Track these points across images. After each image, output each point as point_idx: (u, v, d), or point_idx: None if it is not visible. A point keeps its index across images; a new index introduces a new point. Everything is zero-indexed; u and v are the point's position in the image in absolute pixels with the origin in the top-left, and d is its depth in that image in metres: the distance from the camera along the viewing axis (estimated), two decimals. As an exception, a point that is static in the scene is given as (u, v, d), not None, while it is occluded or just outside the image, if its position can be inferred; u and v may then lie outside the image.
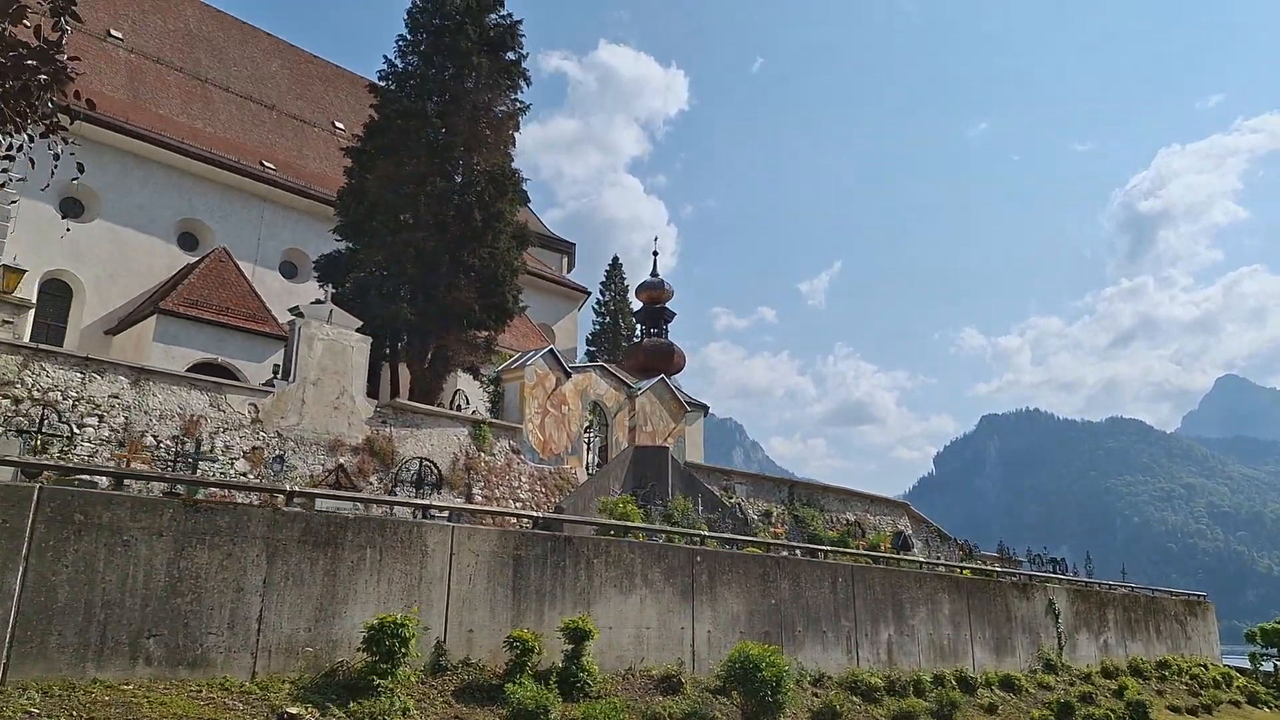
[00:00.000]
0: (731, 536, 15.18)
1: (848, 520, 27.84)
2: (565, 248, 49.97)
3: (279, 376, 17.56)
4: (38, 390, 13.61)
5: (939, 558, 25.11)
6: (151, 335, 24.56)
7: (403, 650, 8.47)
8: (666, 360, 41.06)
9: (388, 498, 12.71)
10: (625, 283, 52.25)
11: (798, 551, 15.99)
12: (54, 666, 7.03)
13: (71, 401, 13.98)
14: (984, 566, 21.55)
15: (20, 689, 6.67)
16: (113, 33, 32.28)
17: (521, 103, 25.53)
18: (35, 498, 7.14)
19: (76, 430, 12.88)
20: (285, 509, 8.87)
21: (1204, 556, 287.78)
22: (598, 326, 50.48)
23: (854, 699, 13.81)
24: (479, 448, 20.39)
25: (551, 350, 23.18)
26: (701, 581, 13.10)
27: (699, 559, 13.17)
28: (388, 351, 23.30)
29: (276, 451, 15.09)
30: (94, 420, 14.16)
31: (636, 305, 47.20)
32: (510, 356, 24.24)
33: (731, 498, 26.14)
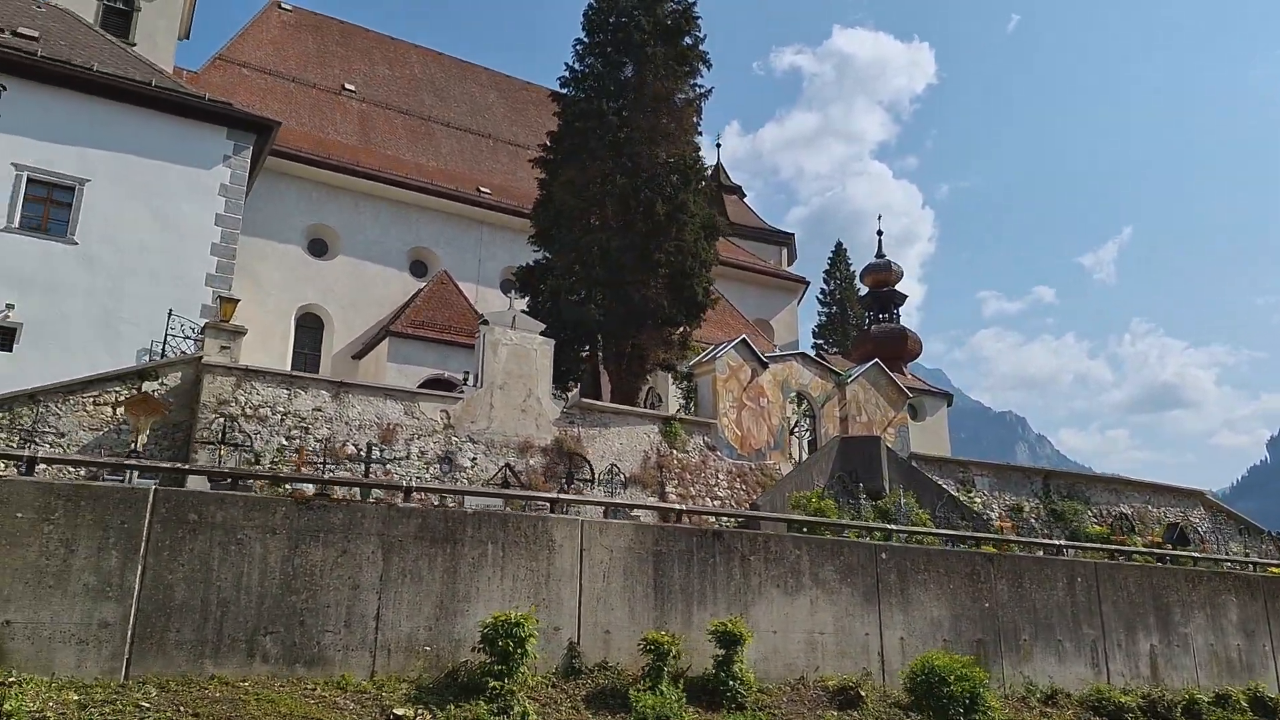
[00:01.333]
0: (916, 529, 13.32)
1: (1120, 514, 24.14)
2: (783, 240, 48.53)
3: (466, 383, 18.08)
4: (249, 407, 14.84)
5: (1248, 554, 20.78)
6: (386, 356, 26.63)
7: (519, 651, 7.98)
8: (898, 346, 38.36)
9: (516, 492, 12.31)
10: (851, 269, 49.73)
11: (1015, 547, 13.76)
12: (173, 663, 7.27)
13: (280, 416, 15.12)
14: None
15: (140, 684, 6.94)
16: (347, 87, 35.66)
17: (701, 88, 24.85)
18: (151, 499, 7.47)
19: (249, 438, 13.80)
20: (401, 505, 8.74)
21: None
22: (823, 318, 48.43)
23: (1098, 721, 11.55)
24: (671, 445, 19.81)
25: (745, 340, 22.12)
26: (889, 581, 11.54)
27: (884, 555, 11.61)
28: (585, 354, 23.42)
29: (448, 452, 15.41)
30: (299, 432, 15.21)
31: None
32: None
33: (970, 492, 23.58)
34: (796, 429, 22.62)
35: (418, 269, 31.26)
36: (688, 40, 24.69)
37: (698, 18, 25.14)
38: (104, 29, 26.62)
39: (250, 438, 13.91)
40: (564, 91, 24.54)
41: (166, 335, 14.74)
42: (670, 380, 23.74)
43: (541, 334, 23.02)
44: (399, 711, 7.43)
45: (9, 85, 15.00)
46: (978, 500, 22.94)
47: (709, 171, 24.74)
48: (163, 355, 14.60)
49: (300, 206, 29.06)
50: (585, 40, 24.77)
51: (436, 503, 12.42)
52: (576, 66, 24.62)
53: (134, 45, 27.01)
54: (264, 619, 7.65)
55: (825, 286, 48.94)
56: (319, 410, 15.45)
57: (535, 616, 8.36)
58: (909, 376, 37.41)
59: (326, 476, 9.97)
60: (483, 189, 33.68)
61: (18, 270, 15.04)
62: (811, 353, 41.40)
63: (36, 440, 12.05)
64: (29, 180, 15.44)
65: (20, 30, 16.57)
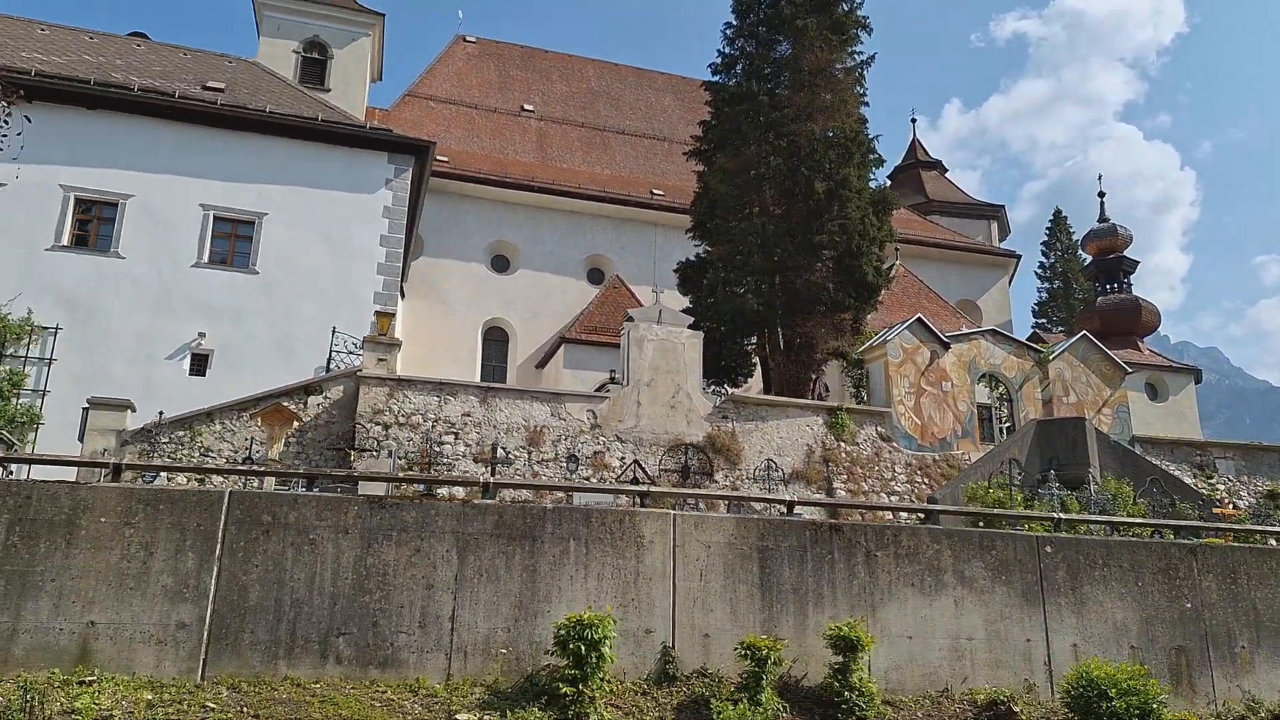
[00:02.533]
0: (1080, 518, 11.21)
1: None
2: (991, 213, 44.70)
3: (612, 381, 17.87)
4: (402, 415, 15.49)
5: None
6: (562, 363, 27.22)
7: (594, 655, 7.45)
8: (1131, 320, 33.98)
9: (597, 485, 11.59)
10: (1074, 239, 44.88)
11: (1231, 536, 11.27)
12: (247, 663, 7.43)
13: (431, 422, 15.66)
14: None
15: (214, 684, 7.17)
16: (525, 107, 37.07)
17: (861, 54, 23.28)
18: (226, 501, 7.73)
19: (399, 444, 14.26)
20: (477, 501, 8.51)
21: None
22: (1044, 294, 43.98)
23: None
24: (838, 437, 18.50)
25: (920, 320, 20.31)
26: (1056, 579, 9.82)
27: (1049, 549, 9.90)
28: (750, 347, 22.54)
29: (575, 451, 15.20)
30: (450, 437, 15.67)
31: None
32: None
33: (1211, 477, 20.27)
34: (994, 413, 20.46)
35: (594, 276, 31.75)
36: (844, 7, 23.25)
37: (853, -21, 23.61)
38: (303, 79, 29.43)
39: (400, 444, 14.45)
40: (715, 79, 23.87)
41: (331, 351, 15.76)
42: (840, 369, 22.29)
43: (702, 328, 22.55)
44: (461, 717, 7.18)
45: (195, 133, 16.77)
46: (1220, 487, 19.60)
47: (874, 141, 23.01)
48: (327, 370, 15.58)
49: (481, 225, 30.43)
50: (735, 23, 23.97)
51: (527, 498, 12.25)
52: (727, 50, 23.88)
53: (328, 90, 29.62)
54: (337, 619, 7.68)
55: (1045, 260, 44.49)
56: (468, 415, 15.82)
57: (614, 617, 7.79)
58: (1146, 352, 32.98)
59: (401, 475, 10.00)
60: (656, 191, 33.67)
61: (208, 301, 16.71)
62: (1026, 333, 37.73)
63: (212, 454, 13.11)
64: (215, 218, 17.16)
65: (209, 84, 18.48)
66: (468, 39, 40.64)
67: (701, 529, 9.04)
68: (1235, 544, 10.78)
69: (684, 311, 23.56)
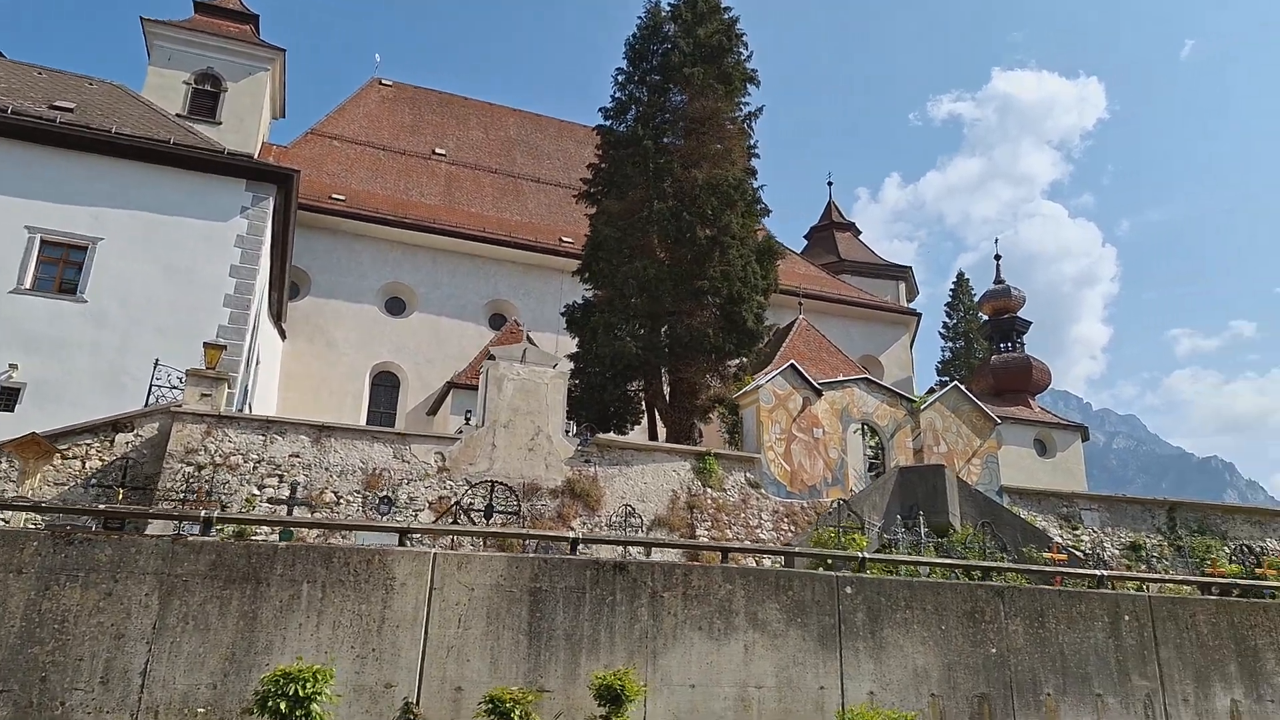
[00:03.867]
0: (894, 559, 10.89)
1: (1266, 549, 20.03)
2: (899, 274, 45.60)
3: (467, 422, 17.25)
4: (219, 455, 14.60)
5: None
6: (449, 409, 26.49)
7: (299, 713, 6.71)
8: (1023, 378, 34.64)
9: (340, 521, 10.83)
10: (975, 300, 45.98)
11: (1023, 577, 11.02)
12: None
13: (253, 464, 14.79)
14: None
15: None
16: (437, 151, 36.85)
17: (748, 105, 23.59)
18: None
19: (213, 489, 13.42)
20: (191, 539, 7.78)
21: None
22: (947, 352, 44.74)
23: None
24: (705, 483, 18.11)
25: (793, 366, 20.18)
26: (855, 622, 9.43)
27: (849, 589, 9.53)
28: (638, 392, 22.17)
29: (386, 496, 14.49)
30: (274, 480, 14.80)
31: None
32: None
33: (1076, 529, 20.32)
34: (865, 461, 20.29)
35: (496, 321, 31.26)
36: (731, 59, 23.59)
37: (742, 35, 24.05)
38: (192, 110, 28.76)
39: (214, 488, 13.58)
40: (606, 124, 23.91)
41: (151, 385, 14.87)
42: (719, 416, 22.03)
43: (587, 372, 22.12)
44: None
45: (28, 152, 15.95)
46: (1085, 538, 19.64)
47: (759, 191, 23.19)
48: (145, 405, 14.68)
49: (377, 266, 29.82)
50: (628, 69, 24.13)
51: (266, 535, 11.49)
52: (619, 95, 23.99)
53: (219, 124, 28.97)
54: None
55: (948, 320, 45.36)
56: (296, 456, 15.02)
57: (332, 671, 7.10)
58: (1036, 409, 33.55)
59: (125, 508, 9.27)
60: (565, 239, 33.48)
61: (26, 331, 15.72)
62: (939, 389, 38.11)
63: None
64: (42, 242, 16.28)
65: (57, 103, 17.75)
66: (384, 82, 40.49)
67: (466, 570, 8.46)
68: (1044, 586, 10.55)
69: (571, 356, 23.22)
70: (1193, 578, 12.01)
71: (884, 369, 35.90)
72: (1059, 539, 19.27)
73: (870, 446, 20.71)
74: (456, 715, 7.95)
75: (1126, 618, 10.36)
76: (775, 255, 23.31)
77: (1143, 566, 19.39)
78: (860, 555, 10.00)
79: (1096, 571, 11.13)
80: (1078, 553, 18.18)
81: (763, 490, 18.66)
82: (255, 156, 25.17)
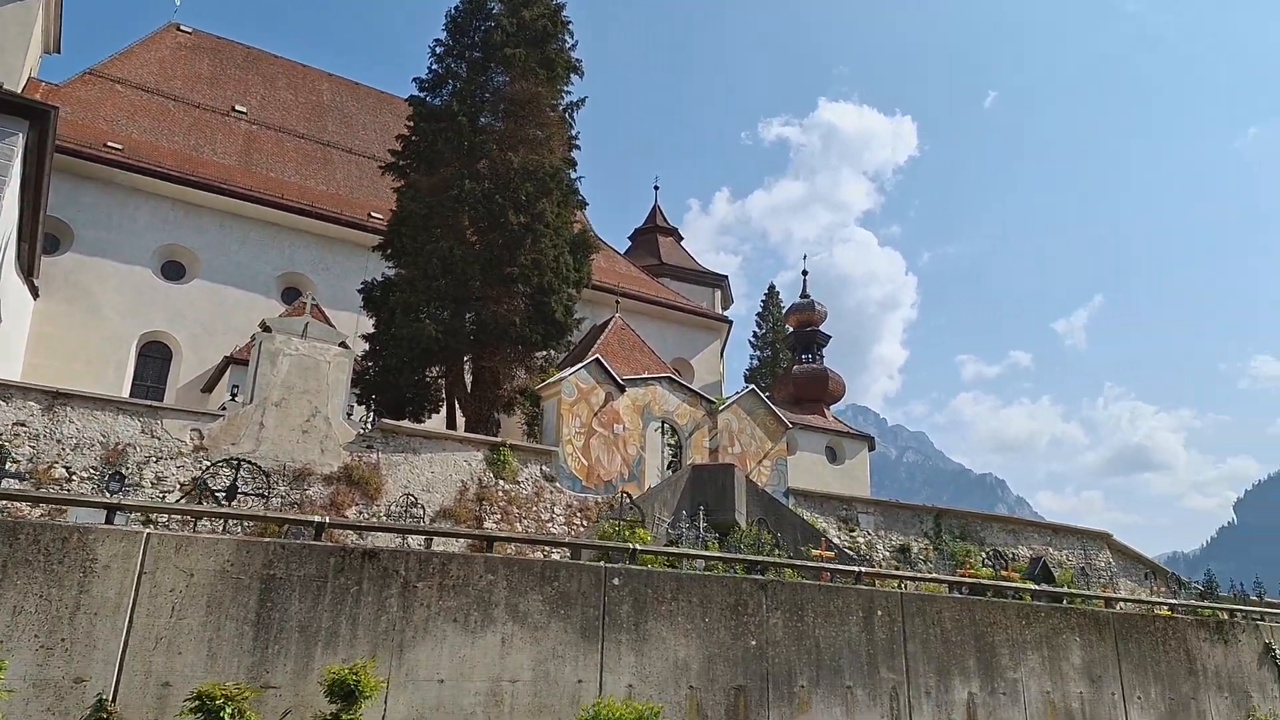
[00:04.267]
0: (662, 550, 10.87)
1: (1018, 556, 21.90)
2: (716, 282, 46.83)
3: (233, 398, 15.84)
4: (-72, 420, 12.53)
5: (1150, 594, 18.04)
6: (226, 386, 24.35)
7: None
8: (820, 388, 36.36)
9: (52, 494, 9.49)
10: (784, 312, 48.04)
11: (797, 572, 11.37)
12: None
13: (-32, 432, 12.79)
14: (1168, 600, 15.24)
15: None
16: (237, 108, 33.99)
17: (570, 93, 23.25)
18: None
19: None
20: None
21: None
22: (755, 361, 46.48)
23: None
24: (498, 475, 17.52)
25: (598, 360, 20.00)
26: (619, 614, 9.21)
27: (616, 581, 9.31)
28: (429, 378, 21.23)
29: (116, 468, 13.05)
30: (-5, 451, 12.85)
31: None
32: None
33: (853, 530, 21.33)
34: (662, 459, 20.41)
35: (290, 296, 29.06)
36: (555, 45, 23.15)
37: (568, 22, 23.66)
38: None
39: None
40: (420, 95, 22.81)
41: None
42: (520, 408, 21.53)
43: (384, 355, 20.95)
44: None
45: None
46: (860, 539, 20.67)
47: (577, 183, 22.89)
48: None
49: (155, 226, 27.04)
50: (447, 42, 23.15)
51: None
52: (436, 68, 22.95)
53: (-29, 50, 25.31)
54: None
55: (758, 329, 47.13)
56: (22, 425, 13.14)
57: (4, 662, 6.05)
58: (830, 418, 35.35)
59: None
60: (375, 215, 31.79)
61: None
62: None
63: None
64: None
65: None
66: (183, 28, 37.01)
67: (185, 553, 7.49)
68: (807, 581, 10.78)
69: (367, 337, 21.93)
70: (942, 576, 12.74)
71: (695, 372, 36.65)
72: (837, 539, 20.18)
73: (670, 445, 20.86)
74: (161, 713, 6.98)
75: (880, 613, 10.78)
76: (590, 249, 23.08)
77: (908, 567, 20.65)
78: (631, 547, 9.80)
79: (855, 568, 11.54)
80: (849, 551, 19.08)
81: (558, 484, 18.31)
82: (20, 91, 22.15)
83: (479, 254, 20.51)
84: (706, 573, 10.20)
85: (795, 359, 37.99)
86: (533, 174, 21.03)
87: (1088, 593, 13.68)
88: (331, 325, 26.66)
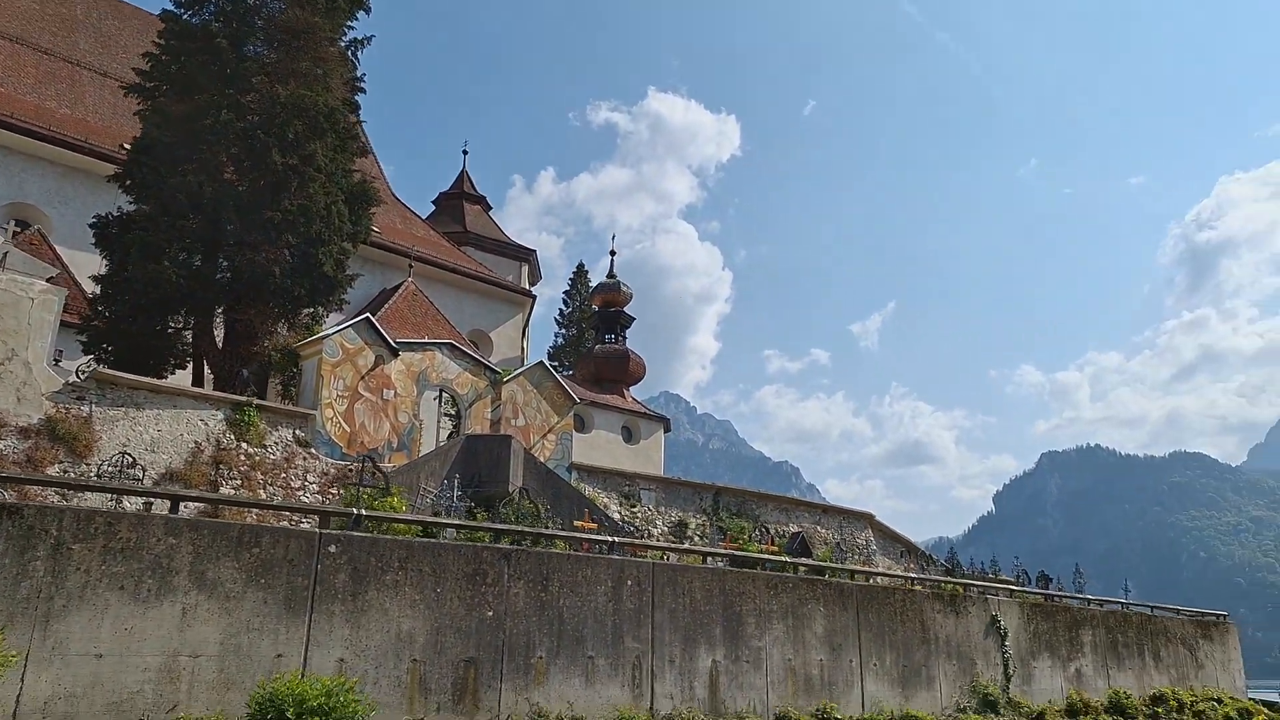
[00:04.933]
0: (391, 517, 10.05)
1: (790, 533, 22.64)
2: (523, 255, 45.81)
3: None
4: None
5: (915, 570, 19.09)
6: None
7: None
8: (620, 369, 36.29)
9: None
10: (590, 292, 47.80)
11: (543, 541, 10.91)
12: None
13: None
14: (905, 574, 16.17)
15: None
16: (-41, 11, 29.13)
17: (353, 28, 21.49)
18: None
19: None
20: None
21: (1273, 590, 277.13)
22: (560, 339, 45.97)
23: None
24: (241, 437, 15.79)
25: (368, 319, 18.61)
26: (335, 584, 8.24)
27: (333, 548, 8.33)
28: (172, 329, 18.92)
29: None
30: None
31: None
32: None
33: (634, 506, 21.17)
34: (433, 427, 19.33)
35: (21, 227, 25.30)
36: (342, -26, 21.26)
37: (357, -51, 21.81)
38: None
39: None
40: (175, 10, 20.24)
41: None
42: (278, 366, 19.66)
43: (118, 300, 18.47)
44: None
45: None
46: (639, 515, 20.57)
47: (358, 127, 21.20)
48: None
49: None
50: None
51: None
52: (199, -18, 20.41)
53: None
54: None
55: (564, 308, 46.62)
56: None
57: None
58: (629, 399, 35.42)
59: None
60: (128, 145, 28.21)
61: None
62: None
63: None
64: None
65: None
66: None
67: None
68: (554, 550, 10.25)
69: (98, 278, 19.30)
70: (697, 548, 12.65)
71: (495, 346, 35.58)
72: (617, 514, 19.97)
73: (449, 414, 19.81)
74: None
75: (630, 583, 10.43)
76: (371, 201, 21.48)
77: (684, 542, 20.81)
78: (355, 512, 8.83)
79: (608, 538, 11.15)
80: (630, 525, 18.88)
81: (313, 450, 16.82)
82: None
83: (236, 195, 18.46)
84: (441, 541, 9.40)
85: (599, 339, 37.76)
86: (304, 111, 19.18)
87: (834, 565, 14.10)
88: (58, 262, 23.43)
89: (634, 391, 37.14)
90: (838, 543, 21.05)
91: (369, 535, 8.77)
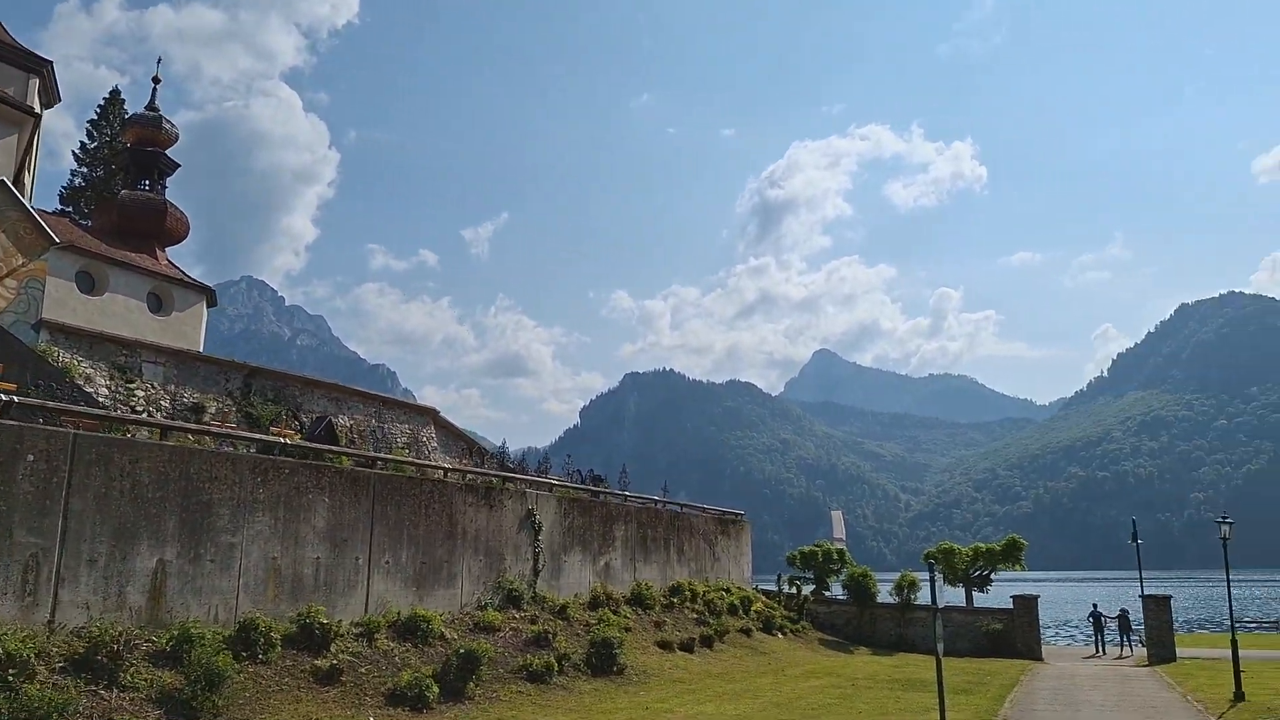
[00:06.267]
0: None
1: (336, 422, 20.34)
2: (36, 66, 36.36)
3: None
4: None
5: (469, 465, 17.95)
6: None
7: None
8: (155, 223, 30.22)
9: None
10: (122, 125, 39.69)
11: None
12: None
13: None
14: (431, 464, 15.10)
15: None
16: None
17: None
18: None
19: None
20: None
21: (790, 501, 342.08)
22: (80, 180, 37.63)
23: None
24: None
25: None
26: None
27: None
28: None
29: None
30: None
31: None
32: None
33: (131, 381, 17.26)
34: None
35: None
36: None
37: None
38: None
39: None
40: None
41: None
42: None
43: None
44: None
45: None
46: (139, 393, 16.87)
47: None
48: None
49: None
50: None
51: None
52: None
53: None
54: None
55: (87, 142, 38.16)
56: None
57: None
58: (164, 262, 29.84)
59: None
60: None
61: None
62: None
63: None
64: None
65: None
66: None
67: None
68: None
69: None
70: (154, 421, 10.05)
71: (-28, 169, 27.59)
72: (106, 389, 16.14)
73: None
74: None
75: (31, 458, 7.63)
76: None
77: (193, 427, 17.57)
78: None
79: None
80: (123, 406, 15.23)
81: None
82: None
83: None
84: None
85: (130, 184, 31.23)
86: None
87: (343, 450, 12.33)
88: None
89: (178, 257, 31.57)
90: (330, 422, 19.30)
91: None
